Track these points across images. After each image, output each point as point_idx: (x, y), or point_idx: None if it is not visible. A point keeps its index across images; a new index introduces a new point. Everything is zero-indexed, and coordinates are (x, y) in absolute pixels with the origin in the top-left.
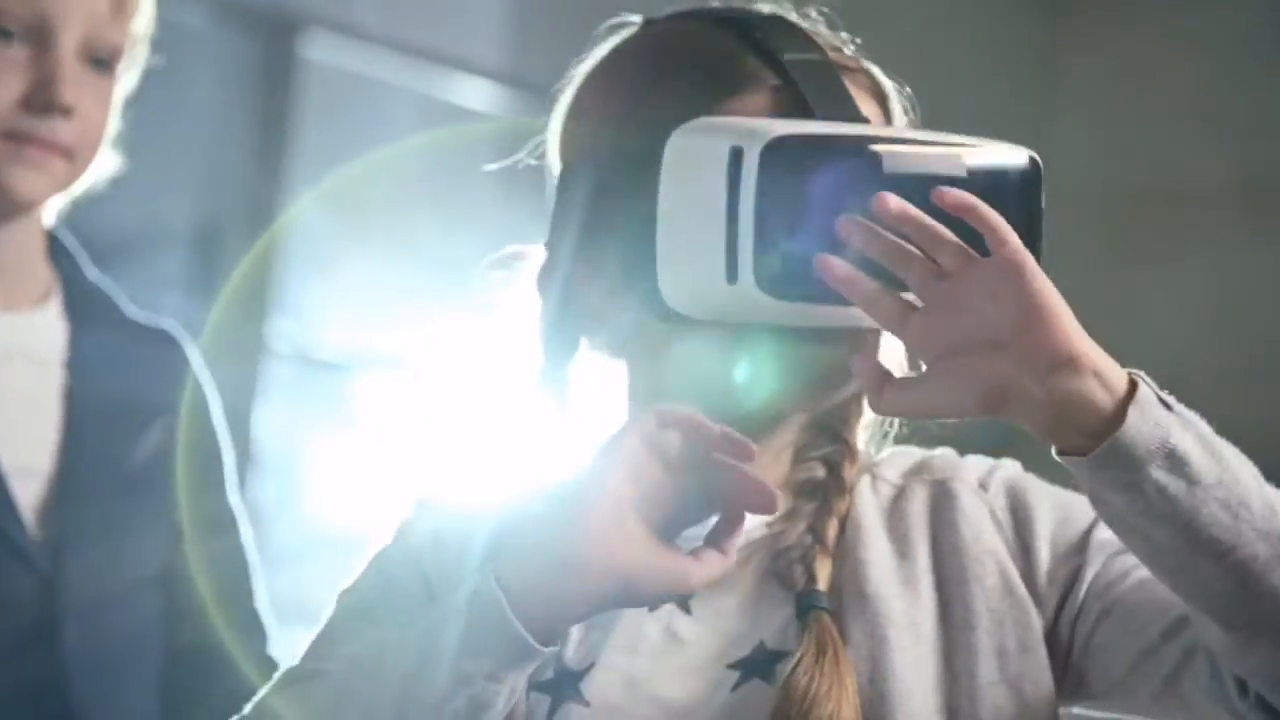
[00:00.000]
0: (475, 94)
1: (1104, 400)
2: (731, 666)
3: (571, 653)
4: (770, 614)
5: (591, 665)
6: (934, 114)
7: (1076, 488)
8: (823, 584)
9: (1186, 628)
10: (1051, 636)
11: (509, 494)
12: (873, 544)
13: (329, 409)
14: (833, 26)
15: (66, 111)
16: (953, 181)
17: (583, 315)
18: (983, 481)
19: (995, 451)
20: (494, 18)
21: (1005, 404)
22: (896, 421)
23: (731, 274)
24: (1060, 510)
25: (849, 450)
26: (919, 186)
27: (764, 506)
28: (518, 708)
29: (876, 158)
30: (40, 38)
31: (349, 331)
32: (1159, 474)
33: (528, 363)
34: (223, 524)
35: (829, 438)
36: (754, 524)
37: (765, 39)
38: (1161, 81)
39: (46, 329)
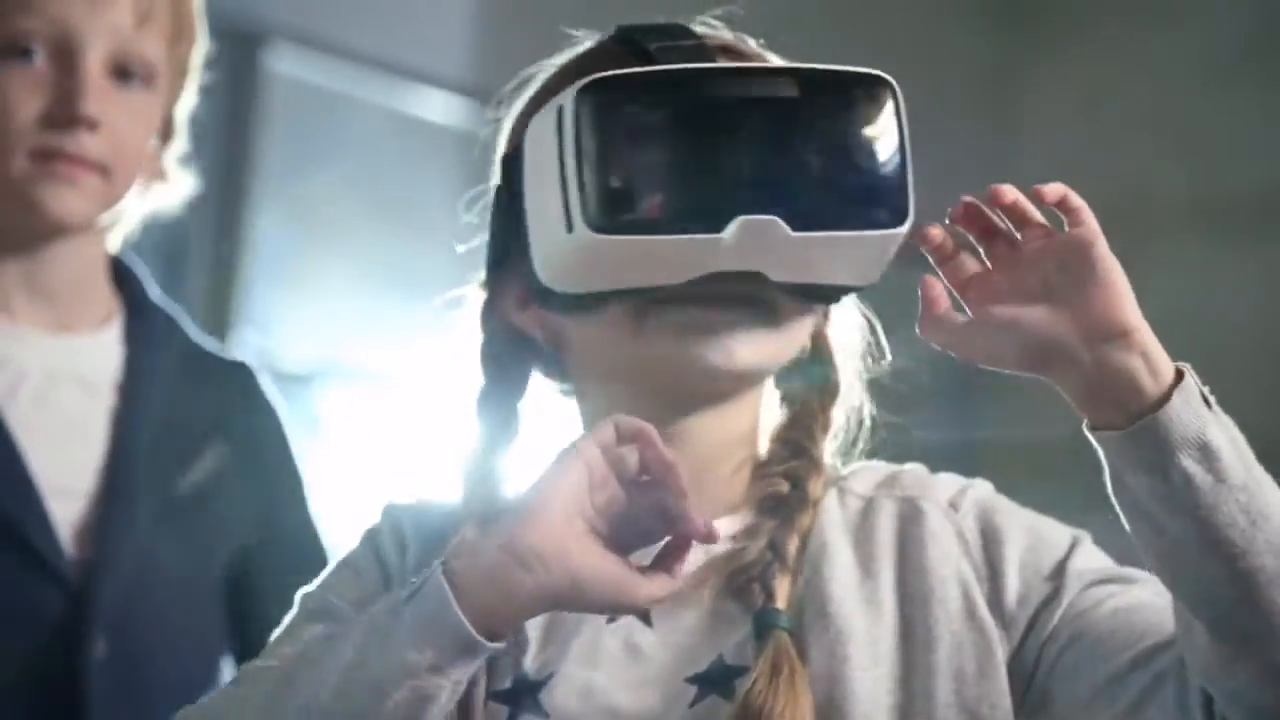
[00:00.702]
0: (440, 107)
1: (1148, 381)
2: (690, 681)
3: (531, 663)
4: (730, 630)
5: (551, 675)
6: None
7: (1045, 512)
8: (781, 601)
9: (1158, 657)
10: (1017, 659)
11: (476, 501)
12: (837, 560)
13: (295, 421)
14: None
15: (91, 124)
16: (782, 102)
17: (519, 344)
18: (953, 501)
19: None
20: (458, 31)
21: (1048, 364)
22: (864, 434)
23: (568, 223)
24: (1031, 534)
25: (814, 464)
26: (745, 109)
27: (703, 538)
28: (476, 716)
29: (694, 86)
30: (62, 55)
31: (314, 344)
32: (1188, 462)
33: (475, 395)
34: (304, 541)
35: (793, 451)
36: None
37: (642, 38)
38: (1123, 99)
39: (101, 352)
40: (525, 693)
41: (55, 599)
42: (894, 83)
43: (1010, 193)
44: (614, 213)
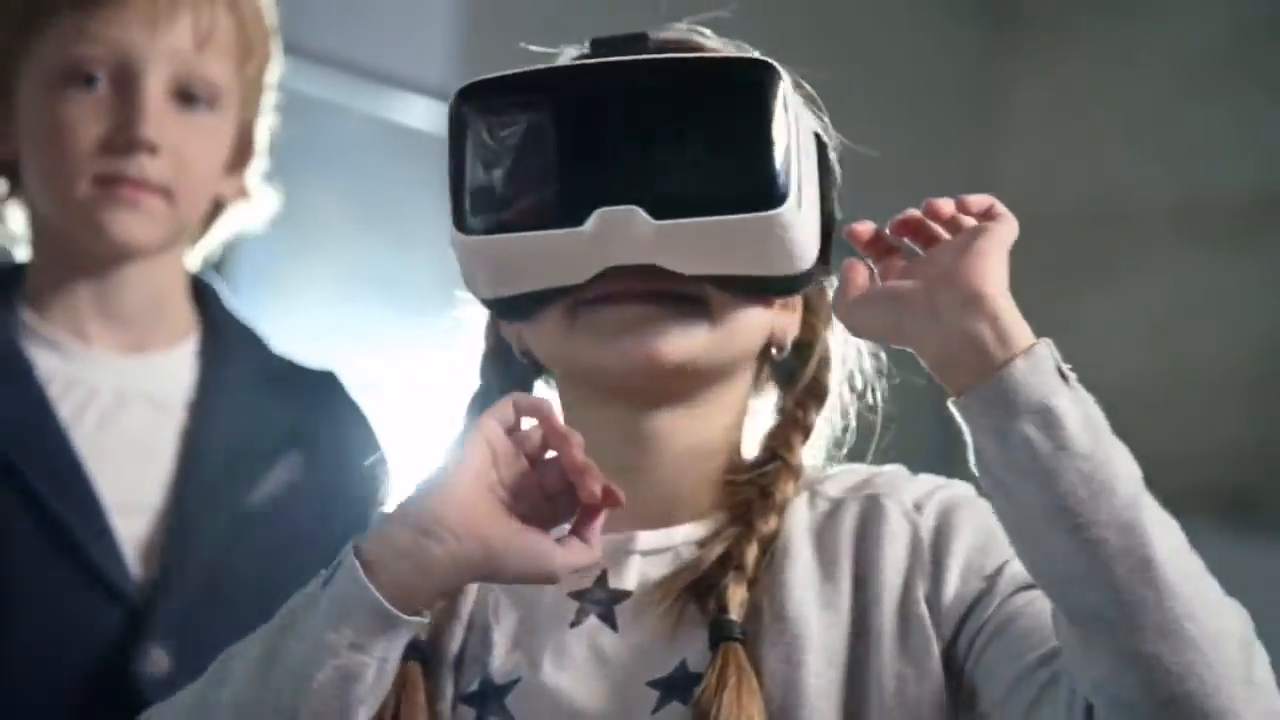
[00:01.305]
0: (425, 113)
1: (995, 348)
2: (651, 685)
3: (498, 665)
4: (692, 635)
5: (517, 680)
6: (877, 138)
7: None
8: (735, 610)
9: (1059, 656)
10: (950, 656)
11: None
12: (798, 564)
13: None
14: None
15: (152, 149)
16: (649, 94)
17: (510, 354)
18: (918, 502)
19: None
20: (441, 38)
21: (903, 330)
22: (849, 437)
23: (459, 224)
24: (984, 535)
25: (786, 469)
26: (612, 104)
27: (609, 502)
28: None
29: (557, 85)
30: (123, 80)
31: (300, 351)
32: (1029, 427)
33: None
34: None
35: (768, 456)
36: (684, 542)
37: (596, 50)
38: (1103, 103)
39: (173, 370)
40: (491, 696)
41: (118, 616)
42: (773, 65)
43: (947, 206)
44: (481, 215)
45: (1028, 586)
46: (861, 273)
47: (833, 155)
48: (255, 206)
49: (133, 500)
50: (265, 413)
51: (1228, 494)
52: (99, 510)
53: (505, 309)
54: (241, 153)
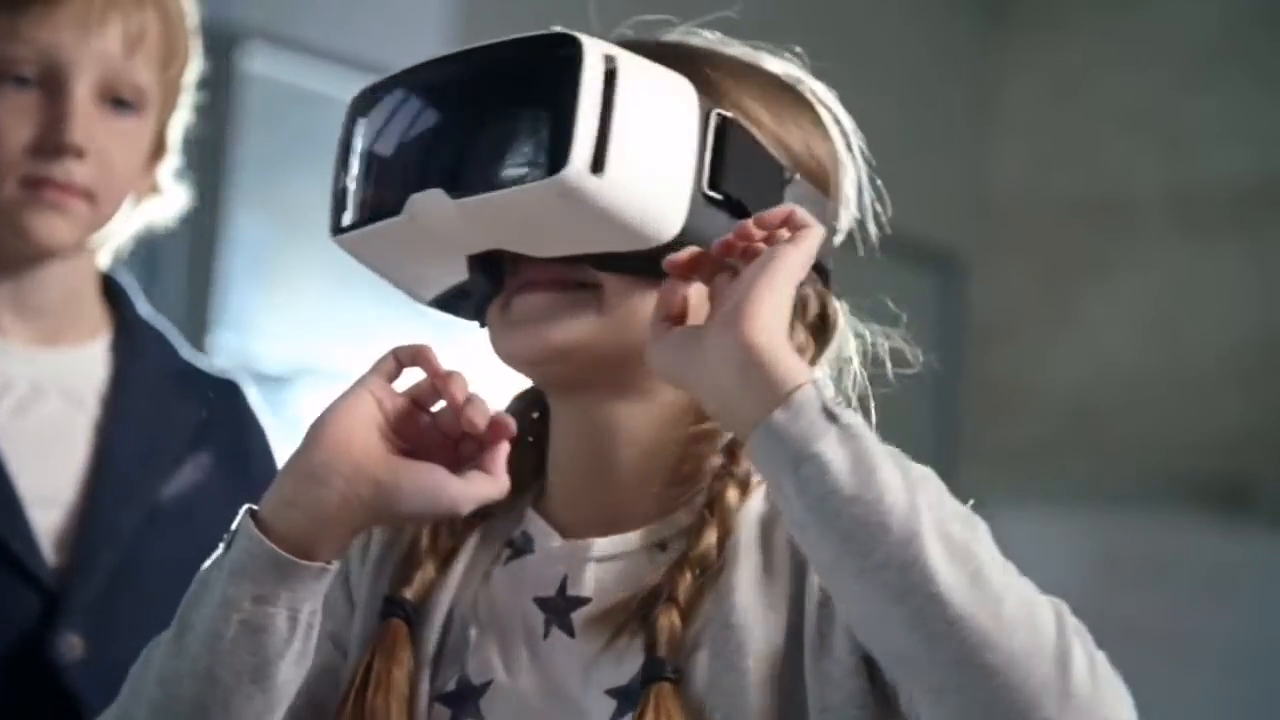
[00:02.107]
0: None
1: (761, 398)
2: (609, 693)
3: (473, 665)
4: (642, 648)
5: (490, 682)
6: (873, 130)
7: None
8: (664, 646)
9: None
10: (869, 656)
11: None
12: (744, 568)
13: (272, 422)
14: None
15: (79, 153)
16: (464, 83)
17: None
18: None
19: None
20: (434, 29)
21: (686, 380)
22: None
23: (332, 229)
24: None
25: (730, 478)
26: (437, 97)
27: (497, 432)
28: (421, 717)
29: (389, 87)
30: (53, 82)
31: (292, 345)
32: (796, 477)
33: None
34: None
35: (721, 460)
36: (636, 548)
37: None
38: (1098, 94)
39: (87, 364)
40: (468, 697)
41: (34, 602)
42: (568, 35)
43: (757, 230)
44: (337, 215)
45: None
46: (674, 302)
47: (756, 133)
48: (166, 202)
49: (49, 491)
50: (175, 411)
51: (1223, 484)
52: (15, 500)
53: (453, 312)
54: (157, 151)
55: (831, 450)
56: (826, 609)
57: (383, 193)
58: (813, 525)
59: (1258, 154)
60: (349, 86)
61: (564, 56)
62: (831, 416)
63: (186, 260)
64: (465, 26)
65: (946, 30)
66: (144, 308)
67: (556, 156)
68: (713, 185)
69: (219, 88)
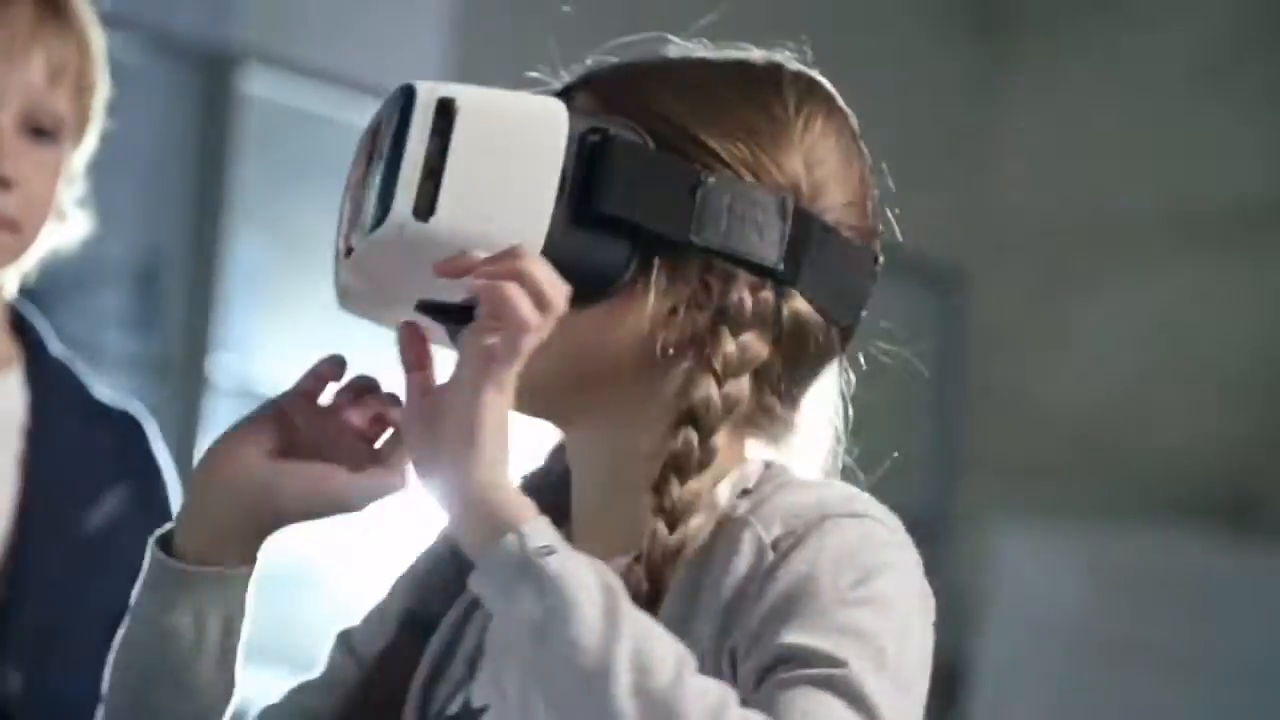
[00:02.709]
0: None
1: (471, 535)
2: None
3: (476, 690)
4: None
5: (486, 708)
6: (873, 145)
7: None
8: None
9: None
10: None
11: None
12: (677, 597)
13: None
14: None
15: (4, 184)
16: (376, 129)
17: None
18: (781, 538)
19: None
20: (433, 50)
21: (424, 479)
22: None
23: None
24: (802, 586)
25: (661, 511)
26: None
27: (376, 425)
28: None
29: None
30: None
31: (292, 365)
32: (493, 629)
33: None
34: None
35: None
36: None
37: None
38: (1097, 112)
39: (6, 397)
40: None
41: None
42: (409, 87)
43: (451, 269)
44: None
45: (794, 656)
46: (410, 353)
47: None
48: (69, 229)
49: None
50: (93, 442)
51: (1224, 500)
52: None
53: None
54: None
55: (518, 611)
56: (720, 665)
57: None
58: (520, 678)
59: (1256, 171)
60: (348, 108)
61: (402, 107)
62: (531, 565)
63: (187, 282)
64: (464, 48)
65: (948, 47)
66: (51, 339)
67: (384, 208)
68: (588, 206)
69: (218, 110)
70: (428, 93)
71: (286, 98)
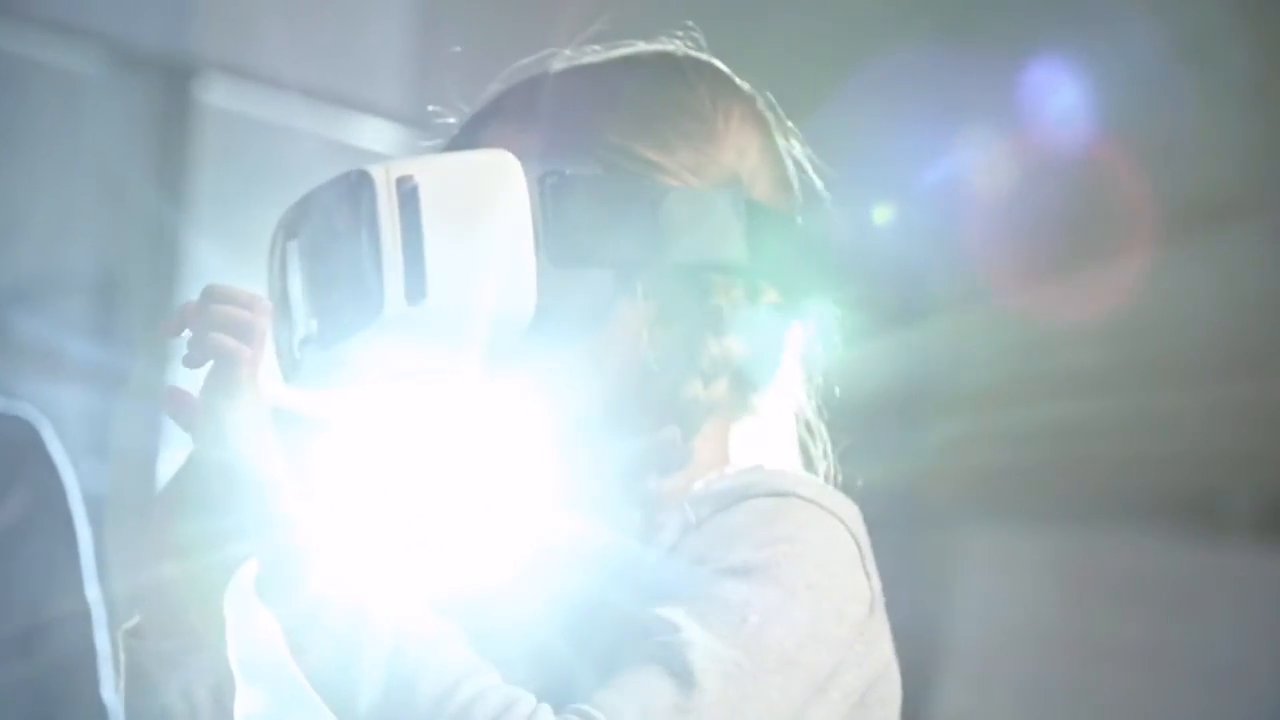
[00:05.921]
0: (377, 136)
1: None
2: None
3: None
4: None
5: None
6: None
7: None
8: None
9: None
10: None
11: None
12: None
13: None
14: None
15: None
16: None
17: None
18: (716, 508)
19: None
20: (395, 59)
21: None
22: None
23: None
24: (701, 563)
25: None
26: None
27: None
28: None
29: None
30: None
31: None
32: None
33: None
34: (73, 613)
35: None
36: None
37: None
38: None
39: None
40: None
41: None
42: (361, 172)
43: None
44: None
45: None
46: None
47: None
48: None
49: None
50: None
51: (1194, 501)
52: None
53: None
54: None
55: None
56: None
57: None
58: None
59: (1224, 166)
60: (309, 118)
61: (360, 196)
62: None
63: (147, 294)
64: (423, 57)
65: (914, 49)
66: None
67: (372, 297)
68: (562, 248)
69: (176, 120)
70: (384, 174)
71: (246, 107)
